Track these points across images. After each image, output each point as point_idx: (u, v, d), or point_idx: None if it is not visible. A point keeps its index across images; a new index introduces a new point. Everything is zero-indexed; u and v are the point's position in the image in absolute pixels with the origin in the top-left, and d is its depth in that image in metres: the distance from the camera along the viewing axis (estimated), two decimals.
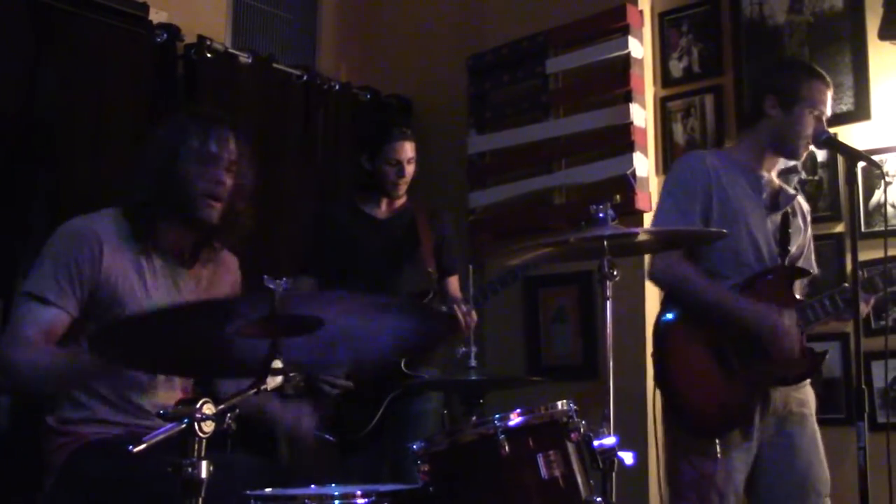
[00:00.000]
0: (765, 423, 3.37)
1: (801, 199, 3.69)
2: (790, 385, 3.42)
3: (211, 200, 2.89)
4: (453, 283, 4.34)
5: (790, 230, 3.54)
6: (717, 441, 3.32)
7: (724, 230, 3.20)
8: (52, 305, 2.75)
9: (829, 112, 3.49)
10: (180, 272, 2.97)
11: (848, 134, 4.38)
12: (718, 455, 3.31)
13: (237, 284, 3.16)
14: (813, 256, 3.69)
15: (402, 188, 4.27)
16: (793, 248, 3.54)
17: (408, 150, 4.24)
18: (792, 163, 4.02)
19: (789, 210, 3.56)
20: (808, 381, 3.49)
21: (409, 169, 4.25)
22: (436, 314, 2.68)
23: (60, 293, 2.76)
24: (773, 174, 3.60)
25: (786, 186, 3.65)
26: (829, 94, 3.49)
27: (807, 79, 3.47)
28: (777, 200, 3.54)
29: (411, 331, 2.35)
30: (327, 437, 4.08)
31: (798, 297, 3.47)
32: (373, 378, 4.05)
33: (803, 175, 4.50)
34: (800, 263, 3.59)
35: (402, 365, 4.04)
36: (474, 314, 3.99)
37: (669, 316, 3.49)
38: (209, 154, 2.89)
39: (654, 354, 3.50)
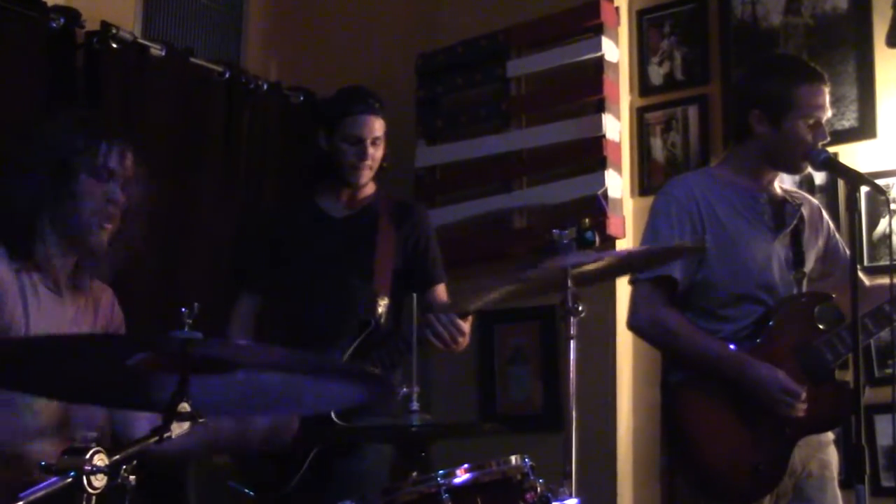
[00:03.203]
0: (781, 485, 3.40)
1: (808, 199, 3.71)
2: (823, 431, 3.46)
3: (102, 221, 2.90)
4: (439, 293, 4.12)
5: (804, 247, 3.57)
6: None
7: (701, 244, 3.21)
8: None
9: (828, 113, 3.50)
10: (59, 298, 2.97)
11: (850, 154, 4.42)
12: None
13: (115, 319, 3.16)
14: (841, 251, 3.69)
15: (365, 175, 4.03)
16: (808, 267, 3.57)
17: (374, 126, 4.01)
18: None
19: (798, 222, 3.59)
20: (833, 441, 3.53)
21: (375, 151, 4.02)
22: (368, 376, 2.65)
23: None
24: (776, 185, 3.62)
25: (791, 194, 3.66)
26: (826, 90, 3.50)
27: (794, 83, 3.49)
28: (783, 217, 3.56)
29: (344, 391, 2.35)
30: (245, 490, 4.03)
31: (822, 326, 3.49)
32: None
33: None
34: (825, 274, 3.63)
35: (333, 413, 3.95)
36: (462, 325, 3.80)
37: (679, 373, 3.52)
38: (106, 168, 2.90)
39: (666, 416, 3.51)
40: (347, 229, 4.08)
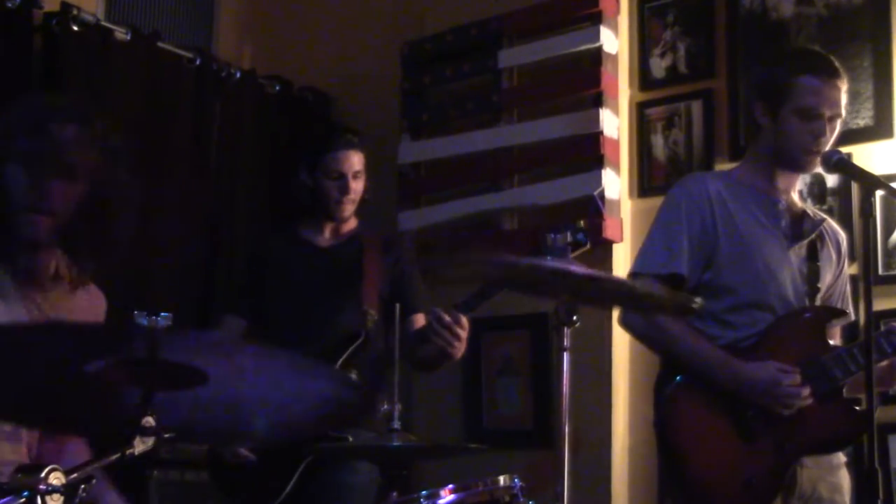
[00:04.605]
0: None
1: (832, 224, 3.71)
2: (826, 453, 3.45)
3: (35, 215, 2.78)
4: (419, 321, 4.26)
5: (819, 262, 3.56)
6: None
7: (698, 299, 3.20)
8: None
9: (830, 109, 3.42)
10: (41, 300, 2.90)
11: (865, 154, 4.42)
12: None
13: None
14: (849, 297, 3.69)
15: (348, 209, 4.33)
16: (823, 285, 3.57)
17: (354, 161, 4.30)
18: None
19: (816, 238, 3.59)
20: (844, 463, 3.52)
21: (356, 185, 4.31)
22: (347, 382, 2.61)
23: None
24: (794, 195, 3.62)
25: (811, 210, 3.67)
26: (838, 85, 3.44)
27: (794, 71, 3.45)
28: (800, 227, 3.56)
29: (327, 397, 2.31)
30: None
31: (834, 343, 3.49)
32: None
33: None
34: (834, 302, 3.62)
35: None
36: (463, 320, 3.89)
37: (677, 377, 3.50)
38: (37, 158, 2.76)
39: (657, 426, 3.51)
40: (334, 256, 4.36)
